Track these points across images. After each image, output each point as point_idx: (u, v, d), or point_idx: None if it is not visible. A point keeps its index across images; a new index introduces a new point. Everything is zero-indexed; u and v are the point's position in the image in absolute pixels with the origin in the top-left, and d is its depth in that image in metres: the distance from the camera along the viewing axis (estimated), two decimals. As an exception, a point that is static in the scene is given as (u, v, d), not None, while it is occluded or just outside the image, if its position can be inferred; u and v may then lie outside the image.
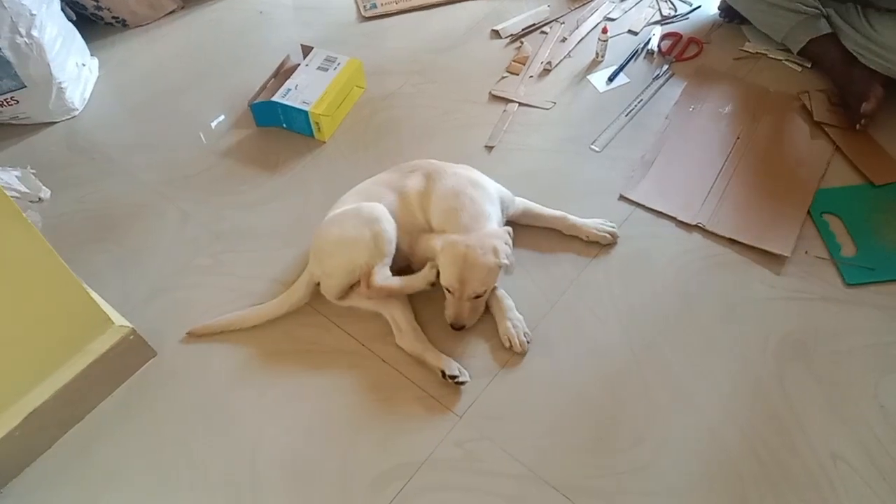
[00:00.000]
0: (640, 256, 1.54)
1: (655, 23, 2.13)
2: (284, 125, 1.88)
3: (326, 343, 1.43)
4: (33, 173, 1.73)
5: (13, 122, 1.92)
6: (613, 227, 1.56)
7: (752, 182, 1.66)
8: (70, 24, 2.00)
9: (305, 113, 1.80)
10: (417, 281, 1.40)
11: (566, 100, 1.92)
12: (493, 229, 1.39)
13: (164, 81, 2.07)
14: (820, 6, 1.85)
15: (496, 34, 2.15)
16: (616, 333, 1.42)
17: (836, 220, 1.57)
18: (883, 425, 1.26)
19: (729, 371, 1.35)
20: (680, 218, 1.60)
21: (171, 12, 2.30)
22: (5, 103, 1.85)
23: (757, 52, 1.99)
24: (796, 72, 1.93)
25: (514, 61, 2.04)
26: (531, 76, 2.00)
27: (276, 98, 1.82)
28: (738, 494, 1.20)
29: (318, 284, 1.46)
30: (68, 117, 1.95)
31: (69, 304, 1.25)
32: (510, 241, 1.37)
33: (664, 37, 2.07)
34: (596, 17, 2.17)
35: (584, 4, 2.22)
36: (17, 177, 1.70)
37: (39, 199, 1.71)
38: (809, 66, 1.93)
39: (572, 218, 1.56)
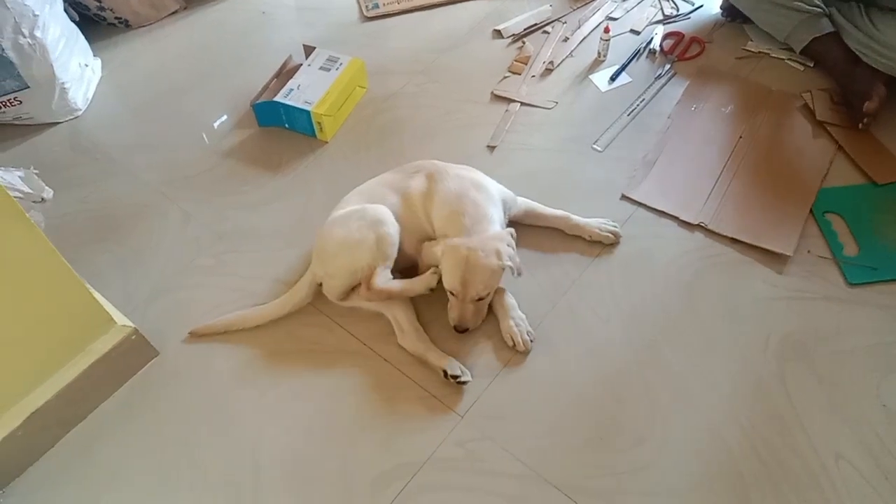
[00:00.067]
0: (642, 256, 1.54)
1: (657, 22, 2.13)
2: (287, 125, 1.88)
3: (329, 343, 1.44)
4: (36, 174, 1.74)
5: (16, 122, 1.92)
6: (616, 227, 1.56)
7: (754, 181, 1.66)
8: (73, 25, 2.01)
9: (308, 113, 1.80)
10: (417, 285, 1.40)
11: (568, 99, 1.92)
12: (496, 232, 1.39)
13: (166, 82, 2.07)
14: (822, 5, 1.85)
15: (498, 34, 2.15)
16: (618, 333, 1.42)
17: (839, 219, 1.57)
18: (885, 425, 1.26)
19: (730, 371, 1.35)
20: (682, 217, 1.59)
21: (173, 13, 2.31)
22: (8, 104, 1.86)
23: (759, 52, 1.99)
24: (799, 71, 1.92)
25: (516, 61, 2.04)
26: (533, 76, 2.00)
27: (278, 98, 1.83)
28: (739, 494, 1.20)
29: (321, 285, 1.46)
30: (71, 118, 1.96)
31: (71, 304, 1.26)
32: (513, 243, 1.37)
33: (666, 36, 2.06)
34: (598, 17, 2.17)
35: (586, 4, 2.22)
36: (20, 177, 1.70)
37: (42, 199, 1.71)
38: (812, 65, 1.92)
39: (575, 218, 1.56)
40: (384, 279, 1.37)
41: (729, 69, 1.96)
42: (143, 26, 2.26)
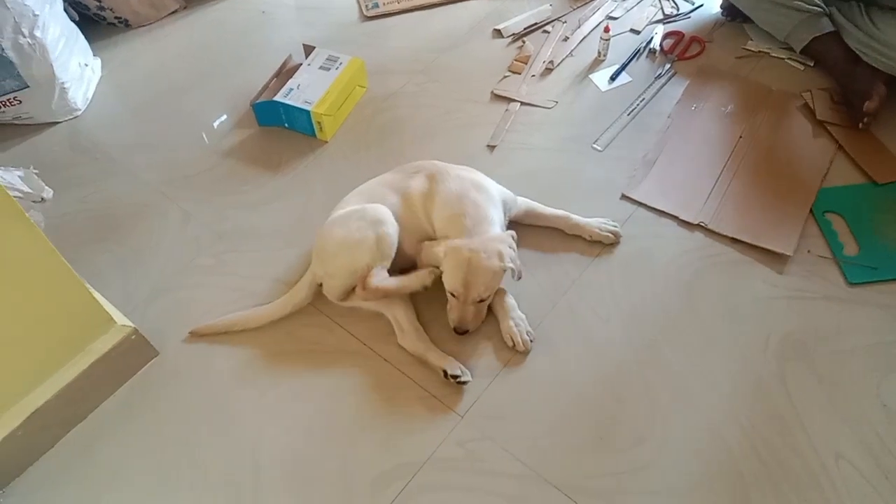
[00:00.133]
0: (642, 256, 1.54)
1: (657, 21, 2.12)
2: (286, 125, 1.88)
3: (329, 343, 1.43)
4: (36, 173, 1.74)
5: (16, 122, 1.92)
6: (616, 227, 1.56)
7: (754, 181, 1.66)
8: (73, 25, 2.00)
9: (307, 113, 1.80)
10: (413, 282, 1.40)
11: (568, 99, 1.92)
12: (498, 234, 1.39)
13: (166, 81, 2.07)
14: (822, 4, 1.85)
15: (498, 33, 2.15)
16: (618, 333, 1.42)
17: (839, 218, 1.57)
18: (885, 425, 1.26)
19: (730, 370, 1.35)
20: (682, 217, 1.59)
21: (173, 12, 2.31)
22: (8, 103, 1.86)
23: (759, 51, 1.99)
24: (799, 70, 1.92)
25: (516, 60, 2.04)
26: (533, 75, 2.00)
27: (278, 98, 1.83)
28: (739, 494, 1.20)
29: (321, 285, 1.46)
30: (71, 117, 1.96)
31: (71, 304, 1.26)
32: (514, 245, 1.37)
33: (666, 35, 2.06)
34: (598, 16, 2.17)
35: (586, 3, 2.22)
36: (19, 177, 1.70)
37: (42, 199, 1.71)
38: (812, 64, 1.92)
39: (575, 217, 1.56)
40: (380, 278, 1.37)
41: (729, 69, 1.96)
42: (143, 26, 2.26)
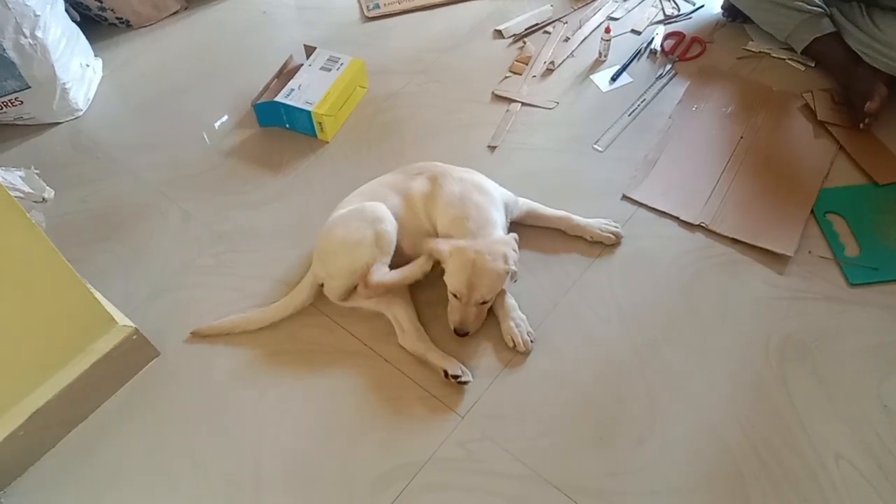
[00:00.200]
0: (643, 256, 1.54)
1: (658, 22, 2.12)
2: (287, 125, 1.88)
3: (329, 343, 1.44)
4: (37, 173, 1.73)
5: (17, 122, 1.93)
6: (617, 227, 1.56)
7: (754, 182, 1.66)
8: (74, 25, 2.01)
9: (308, 113, 1.80)
10: (414, 271, 1.40)
11: (569, 99, 1.92)
12: (501, 236, 1.39)
13: (167, 82, 2.07)
14: (824, 5, 1.85)
15: (499, 34, 2.15)
16: (618, 333, 1.42)
17: (840, 219, 1.57)
18: (886, 425, 1.26)
19: (731, 371, 1.35)
20: (683, 217, 1.59)
21: (174, 13, 2.31)
22: (9, 104, 1.86)
23: (760, 52, 1.99)
24: (800, 71, 1.92)
25: (517, 61, 2.04)
26: (534, 76, 2.00)
27: (279, 98, 1.83)
28: (739, 494, 1.20)
29: (322, 286, 1.46)
30: (72, 118, 1.96)
31: (72, 304, 1.26)
32: (517, 249, 1.38)
33: (667, 36, 2.06)
34: (599, 17, 2.17)
35: (587, 4, 2.22)
36: (20, 177, 1.70)
37: (43, 199, 1.71)
38: (813, 65, 1.92)
39: (576, 218, 1.56)
40: (380, 274, 1.37)
41: (730, 69, 1.96)
42: (145, 26, 2.26)
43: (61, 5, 1.93)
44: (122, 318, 1.37)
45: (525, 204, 1.56)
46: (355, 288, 1.43)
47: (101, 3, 2.16)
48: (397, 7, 2.26)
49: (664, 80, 1.94)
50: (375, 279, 1.36)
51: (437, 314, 1.43)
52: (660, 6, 2.18)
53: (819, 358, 1.36)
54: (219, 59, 2.14)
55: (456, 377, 1.32)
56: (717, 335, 1.40)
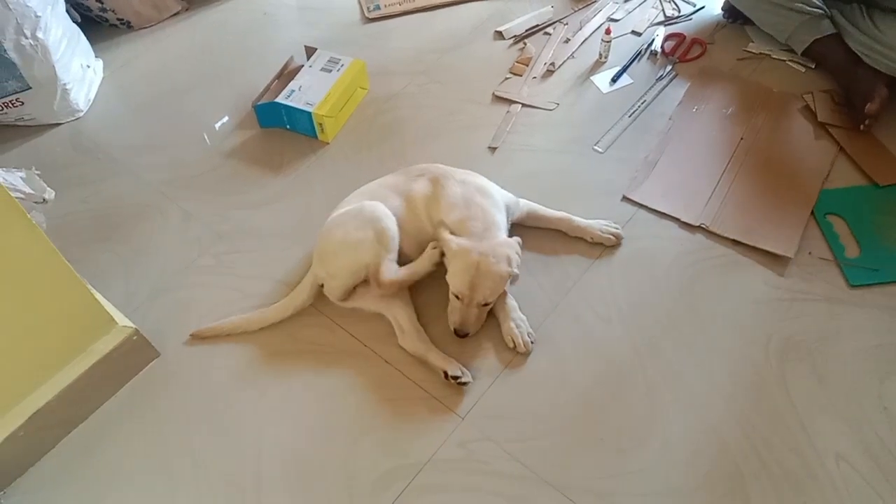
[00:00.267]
0: (643, 257, 1.54)
1: (659, 23, 2.13)
2: (288, 126, 1.88)
3: (329, 344, 1.44)
4: (38, 174, 1.74)
5: (18, 123, 1.93)
6: (618, 229, 1.56)
7: (755, 183, 1.66)
8: (75, 26, 2.01)
9: (309, 114, 1.80)
10: (423, 265, 1.40)
11: (569, 101, 1.92)
12: (506, 238, 1.40)
13: (168, 82, 2.08)
14: (824, 6, 1.85)
15: (500, 35, 2.15)
16: (619, 334, 1.42)
17: (840, 220, 1.57)
18: (886, 426, 1.26)
19: (731, 372, 1.35)
20: (683, 219, 1.59)
21: (175, 14, 2.31)
22: (10, 105, 1.86)
23: (760, 53, 1.99)
24: (800, 72, 1.92)
25: (517, 62, 2.04)
26: (534, 77, 2.00)
27: (279, 99, 1.83)
28: (739, 494, 1.20)
29: (322, 286, 1.46)
30: (73, 118, 1.96)
31: (73, 305, 1.26)
32: (520, 252, 1.38)
33: (667, 37, 2.06)
34: (599, 18, 2.17)
35: (588, 5, 2.22)
36: (21, 178, 1.71)
37: (44, 199, 1.71)
38: (813, 66, 1.92)
39: (576, 219, 1.56)
40: (392, 271, 1.37)
41: (730, 70, 1.96)
42: (145, 27, 2.27)
43: (62, 6, 1.93)
44: (122, 319, 1.37)
45: (526, 205, 1.56)
46: (355, 288, 1.43)
47: (102, 3, 2.16)
48: (398, 8, 2.26)
49: (664, 82, 1.94)
50: (388, 277, 1.36)
51: (437, 315, 1.43)
52: (660, 7, 2.18)
53: (819, 358, 1.36)
54: (219, 60, 2.14)
55: (456, 378, 1.32)
56: (718, 336, 1.40)
